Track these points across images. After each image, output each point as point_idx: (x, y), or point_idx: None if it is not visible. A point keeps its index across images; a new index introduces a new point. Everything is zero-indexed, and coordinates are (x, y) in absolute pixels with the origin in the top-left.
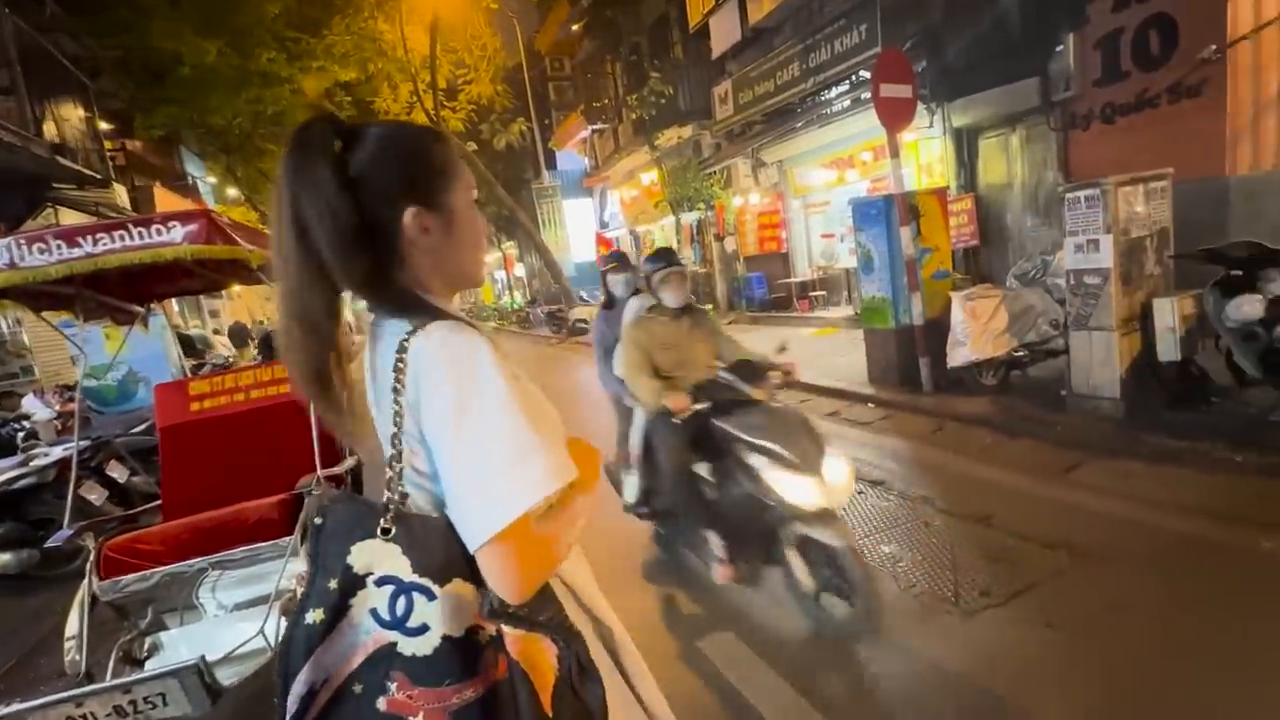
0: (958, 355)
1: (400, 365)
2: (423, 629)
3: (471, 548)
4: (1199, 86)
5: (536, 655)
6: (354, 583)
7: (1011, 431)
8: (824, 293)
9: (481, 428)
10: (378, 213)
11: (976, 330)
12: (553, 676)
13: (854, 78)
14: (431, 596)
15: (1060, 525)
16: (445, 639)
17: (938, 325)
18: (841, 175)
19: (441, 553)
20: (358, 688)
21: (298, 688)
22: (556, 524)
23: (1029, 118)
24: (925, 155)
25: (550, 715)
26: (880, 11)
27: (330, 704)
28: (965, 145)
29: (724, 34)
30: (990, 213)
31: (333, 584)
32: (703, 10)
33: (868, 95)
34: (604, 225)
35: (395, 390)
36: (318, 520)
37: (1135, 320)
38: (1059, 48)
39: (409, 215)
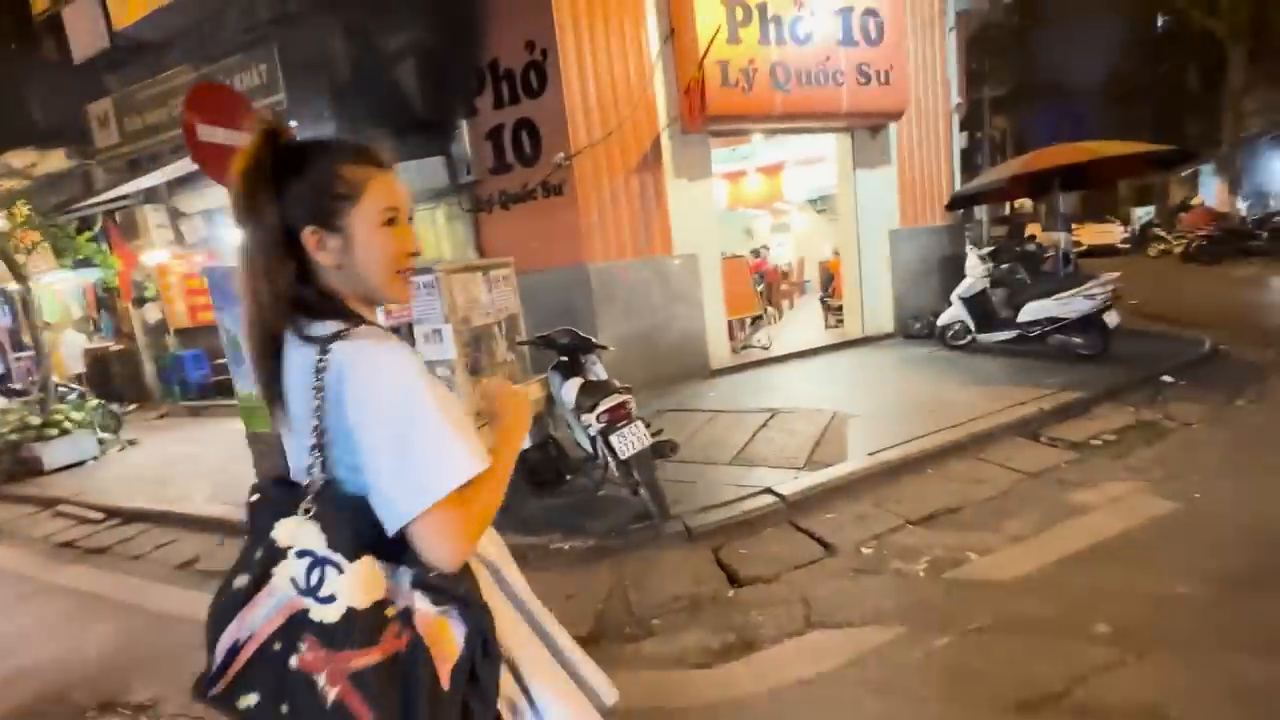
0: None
1: (322, 365)
2: (331, 598)
3: (397, 525)
4: (560, 186)
5: (442, 634)
6: (276, 554)
7: None
8: None
9: (406, 420)
10: (293, 227)
11: None
12: (455, 655)
13: None
14: (341, 570)
15: None
16: (350, 609)
17: None
18: None
19: (353, 532)
20: (277, 645)
21: (224, 641)
22: (477, 497)
23: (448, 196)
24: None
25: (445, 688)
26: (281, 55)
27: (253, 659)
28: None
29: (86, 36)
30: None
31: (259, 554)
32: None
33: None
34: None
35: (316, 388)
36: (253, 498)
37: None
38: (457, 132)
39: (306, 233)
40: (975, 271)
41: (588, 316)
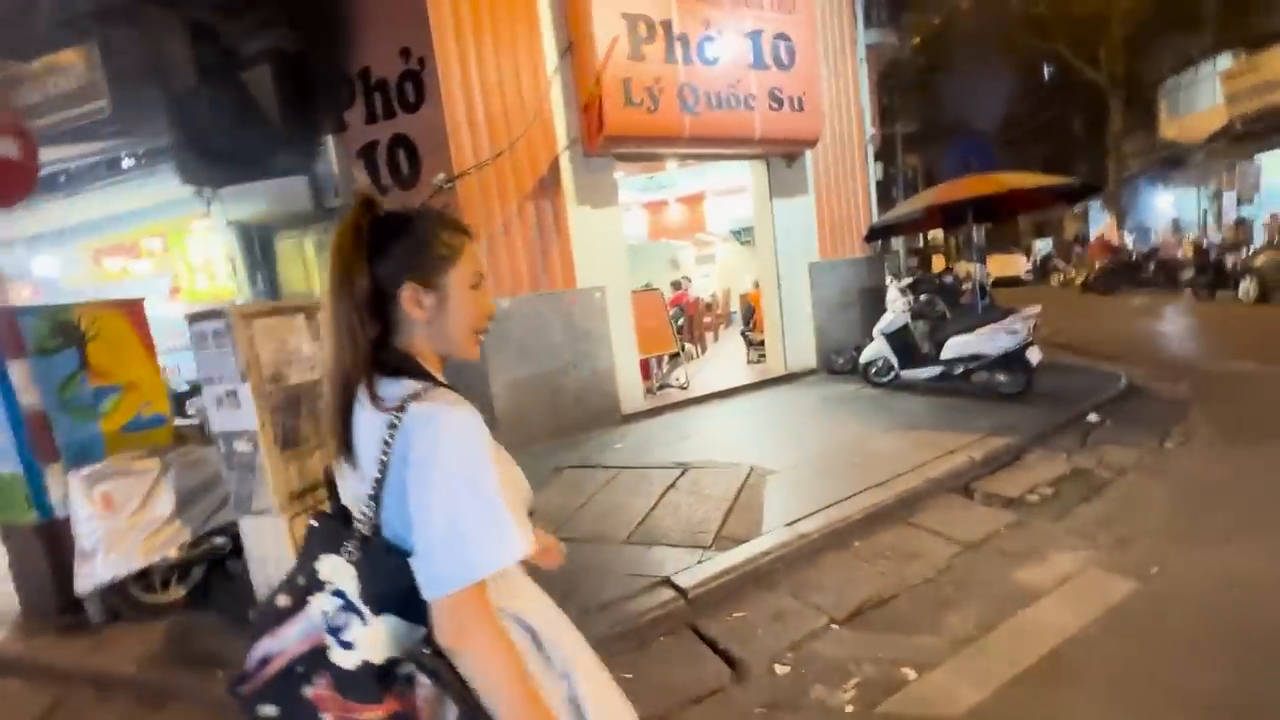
0: (87, 575)
1: (395, 423)
2: (350, 645)
3: (429, 595)
4: (443, 211)
5: (439, 709)
6: (315, 585)
7: (163, 694)
8: None
9: (463, 492)
10: (386, 286)
11: (115, 529)
12: None
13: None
14: (365, 621)
15: None
16: (365, 662)
17: None
18: (126, 268)
19: (385, 588)
20: (300, 669)
21: (258, 650)
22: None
23: (313, 221)
24: (201, 251)
25: None
26: (105, 55)
27: (279, 674)
28: (258, 244)
29: None
30: None
31: (301, 580)
32: None
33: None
34: None
35: (386, 443)
36: (312, 523)
37: (317, 492)
38: (322, 148)
39: (405, 290)
40: (895, 305)
41: (476, 362)
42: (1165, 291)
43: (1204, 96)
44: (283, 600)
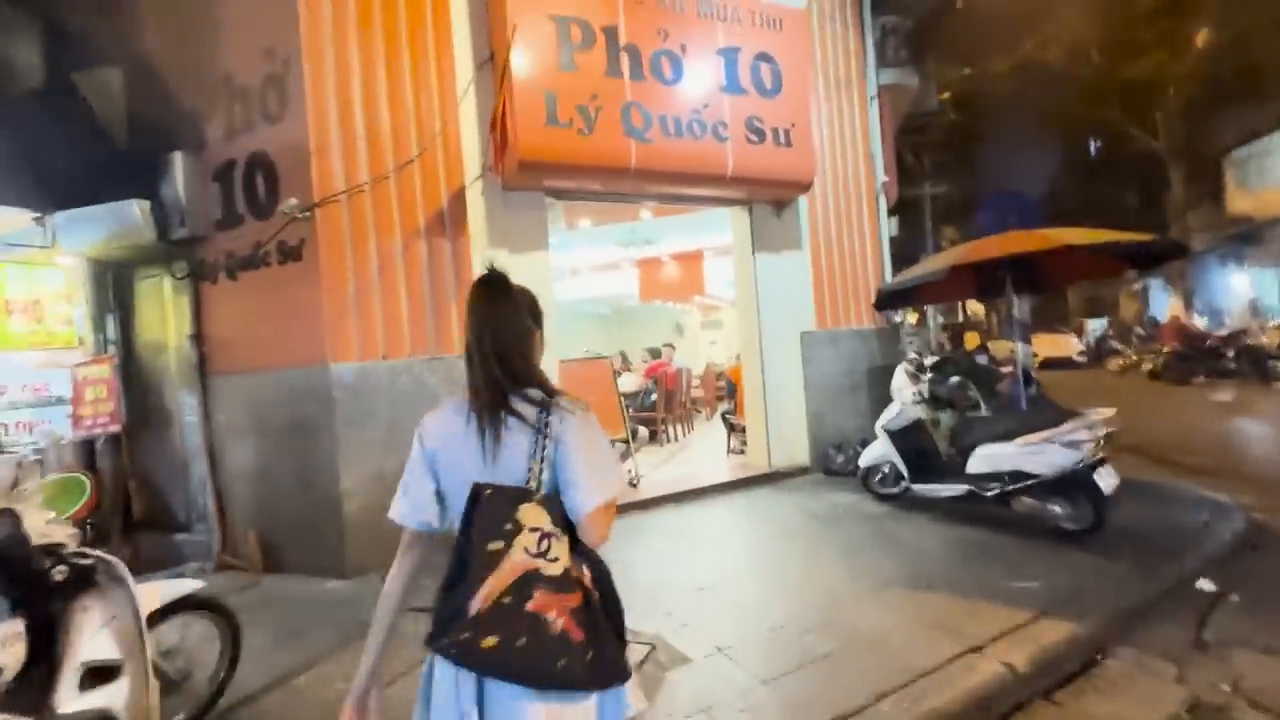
0: None
1: (545, 414)
2: (556, 559)
3: (584, 510)
4: (299, 248)
5: (589, 581)
6: (518, 529)
7: None
8: None
9: (596, 452)
10: (530, 327)
11: None
12: (595, 593)
13: None
14: (560, 539)
15: None
16: (564, 568)
17: None
18: None
19: (562, 517)
20: (507, 600)
21: (477, 595)
22: (612, 508)
23: (157, 256)
24: (28, 288)
25: (601, 612)
26: None
27: (490, 609)
28: (111, 283)
29: None
30: (149, 385)
31: (508, 527)
32: None
33: None
34: None
35: (542, 427)
36: (487, 493)
37: None
38: (169, 168)
39: (537, 333)
40: (904, 394)
41: (326, 444)
42: (1250, 382)
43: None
44: (494, 545)
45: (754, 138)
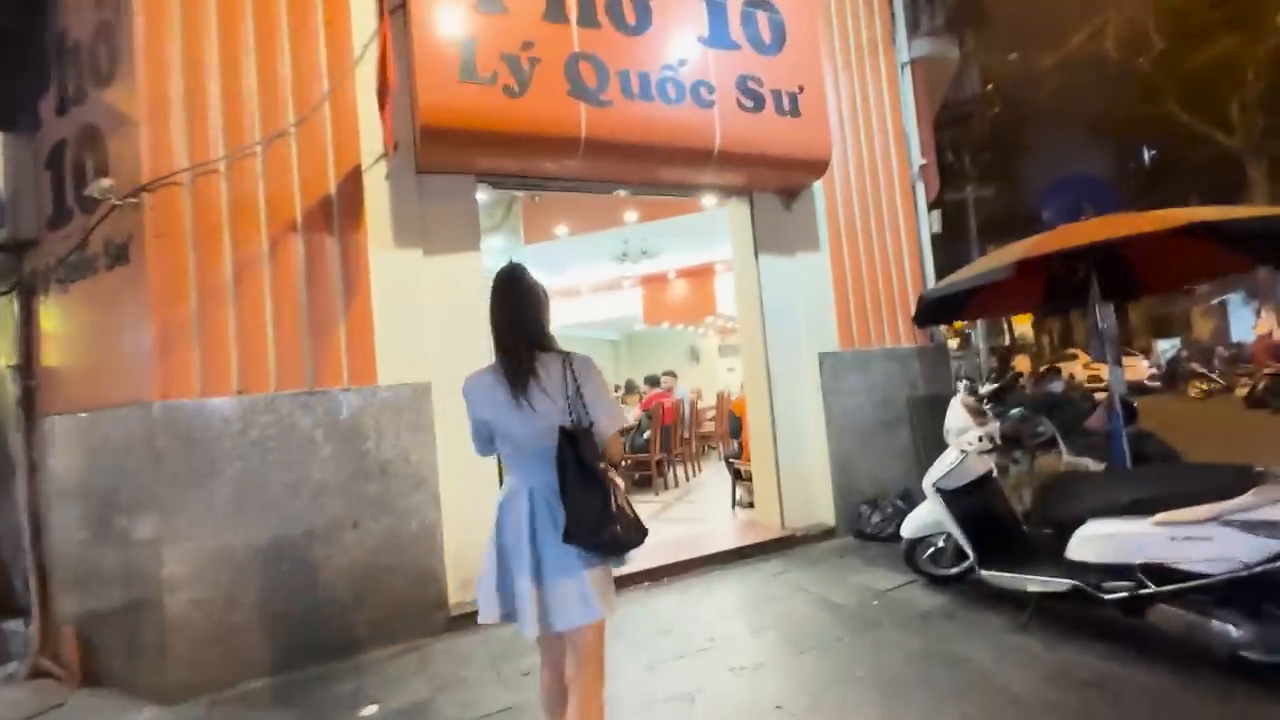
0: None
1: (568, 367)
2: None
3: (607, 434)
4: (126, 247)
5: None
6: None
7: None
8: None
9: (607, 393)
10: (546, 305)
11: None
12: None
13: None
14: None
15: None
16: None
17: None
18: None
19: (596, 445)
20: (619, 502)
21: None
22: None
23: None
24: None
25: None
26: None
27: (616, 512)
28: None
29: None
30: None
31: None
32: None
33: None
34: None
35: (570, 377)
36: (564, 428)
37: None
38: None
39: (549, 309)
40: (965, 437)
41: (146, 511)
42: None
43: None
44: (570, 477)
45: (748, 102)
